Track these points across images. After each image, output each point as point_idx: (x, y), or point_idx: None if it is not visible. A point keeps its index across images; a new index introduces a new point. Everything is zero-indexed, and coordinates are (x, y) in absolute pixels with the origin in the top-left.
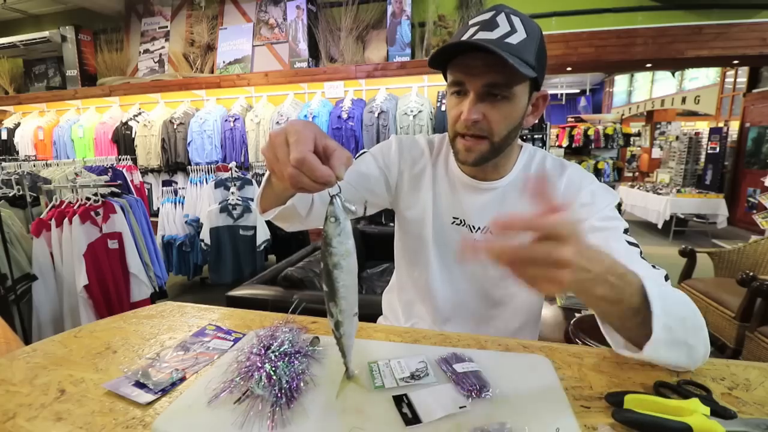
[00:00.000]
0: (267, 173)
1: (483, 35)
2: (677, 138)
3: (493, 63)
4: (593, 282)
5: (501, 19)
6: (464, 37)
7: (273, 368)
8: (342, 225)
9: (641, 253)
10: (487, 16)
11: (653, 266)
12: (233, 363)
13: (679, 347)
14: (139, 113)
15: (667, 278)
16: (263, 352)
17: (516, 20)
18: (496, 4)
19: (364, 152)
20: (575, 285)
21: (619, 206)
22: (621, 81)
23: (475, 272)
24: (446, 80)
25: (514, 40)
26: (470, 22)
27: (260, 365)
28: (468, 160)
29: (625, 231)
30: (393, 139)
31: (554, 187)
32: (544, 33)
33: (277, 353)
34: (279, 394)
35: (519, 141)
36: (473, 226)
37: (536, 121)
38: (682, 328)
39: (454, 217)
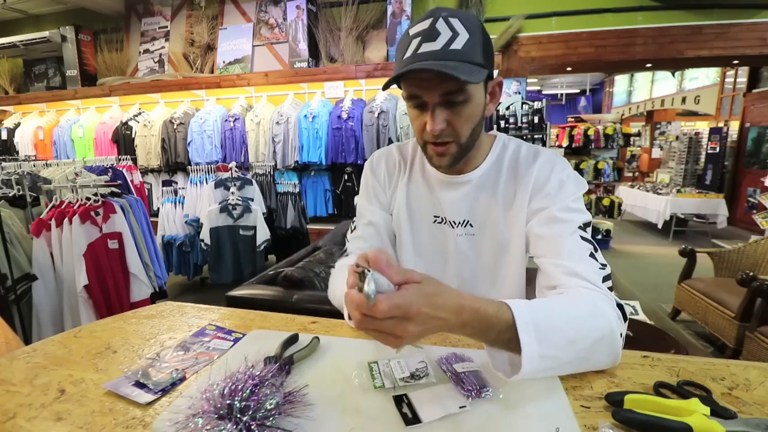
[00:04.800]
0: (347, 312)
1: (427, 47)
2: (677, 138)
3: (445, 73)
4: (451, 329)
5: (440, 25)
6: (409, 53)
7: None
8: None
9: (594, 250)
10: (425, 24)
11: (601, 267)
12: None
13: (569, 365)
14: (139, 113)
15: (605, 279)
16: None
17: (455, 22)
18: (432, 8)
19: (358, 199)
20: (430, 334)
21: (589, 193)
22: (621, 81)
23: (461, 273)
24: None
25: (458, 44)
26: (411, 33)
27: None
28: (442, 164)
29: (585, 225)
30: (366, 168)
31: (527, 176)
32: (544, 33)
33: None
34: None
35: (493, 131)
36: (454, 222)
37: (497, 107)
38: (569, 350)
39: (435, 216)
